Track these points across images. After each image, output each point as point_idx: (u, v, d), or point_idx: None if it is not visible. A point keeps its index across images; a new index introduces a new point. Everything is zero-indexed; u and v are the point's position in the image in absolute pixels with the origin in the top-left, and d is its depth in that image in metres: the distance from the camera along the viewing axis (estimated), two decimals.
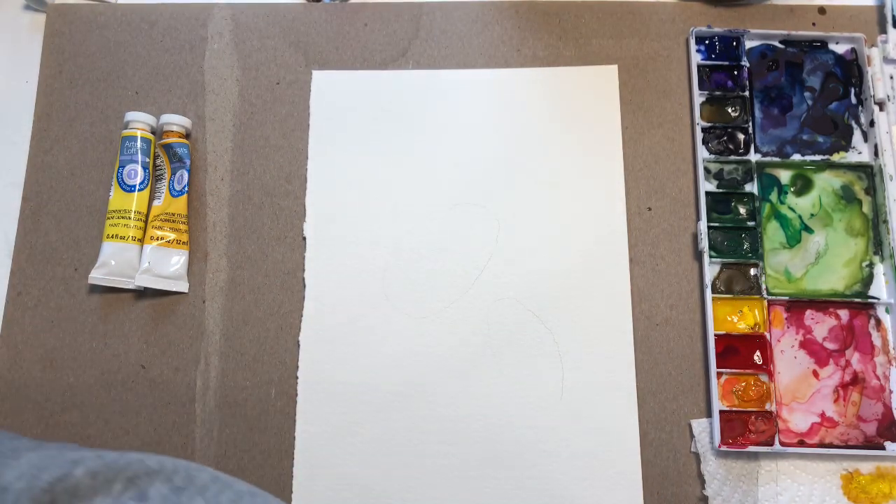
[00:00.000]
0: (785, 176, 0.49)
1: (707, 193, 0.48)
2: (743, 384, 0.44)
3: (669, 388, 0.45)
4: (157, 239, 0.47)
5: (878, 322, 0.46)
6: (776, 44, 0.51)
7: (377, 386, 0.45)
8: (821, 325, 0.46)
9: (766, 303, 0.46)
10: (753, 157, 0.49)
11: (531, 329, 0.46)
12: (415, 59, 0.52)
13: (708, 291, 0.46)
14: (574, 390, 0.45)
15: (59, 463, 0.30)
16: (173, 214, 0.48)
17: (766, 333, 0.45)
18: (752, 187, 0.48)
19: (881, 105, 0.49)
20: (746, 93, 0.50)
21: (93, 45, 0.52)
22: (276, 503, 0.32)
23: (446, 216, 0.48)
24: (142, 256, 0.47)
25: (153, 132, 0.50)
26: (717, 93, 0.50)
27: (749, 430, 0.44)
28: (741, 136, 0.49)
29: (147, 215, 0.48)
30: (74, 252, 0.48)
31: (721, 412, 0.44)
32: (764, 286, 0.46)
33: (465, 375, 0.45)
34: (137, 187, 0.48)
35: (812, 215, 0.48)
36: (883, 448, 0.43)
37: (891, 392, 0.45)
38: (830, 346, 0.46)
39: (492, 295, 0.47)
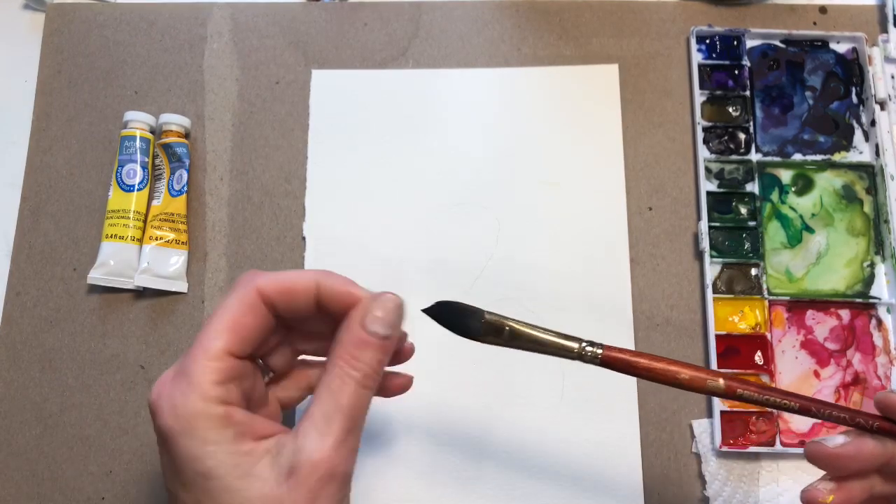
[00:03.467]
0: (786, 175, 0.49)
1: (708, 193, 0.48)
2: None
3: (670, 389, 0.45)
4: (156, 239, 0.47)
5: (880, 322, 0.46)
6: (777, 43, 0.51)
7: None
8: (822, 326, 0.46)
9: (767, 303, 0.46)
10: (754, 156, 0.49)
11: None
12: (415, 59, 0.52)
13: (709, 291, 0.46)
14: (574, 390, 0.45)
15: None
16: (172, 214, 0.47)
17: (766, 334, 0.45)
18: (752, 187, 0.48)
19: (882, 104, 0.49)
20: (747, 92, 0.50)
21: (92, 45, 0.52)
22: None
23: (446, 216, 0.48)
24: (141, 256, 0.47)
25: (152, 132, 0.50)
26: (718, 92, 0.50)
27: (750, 431, 0.43)
28: (742, 136, 0.49)
29: (146, 215, 0.48)
30: (73, 252, 0.48)
31: (722, 413, 0.44)
32: (765, 286, 0.46)
33: (464, 375, 0.45)
34: (136, 187, 0.47)
35: (813, 215, 0.48)
36: None
37: None
38: (831, 346, 0.46)
39: (492, 295, 0.47)
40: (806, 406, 0.31)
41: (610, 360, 0.32)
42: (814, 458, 0.32)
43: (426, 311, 0.34)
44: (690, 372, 0.31)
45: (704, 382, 0.31)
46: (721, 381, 0.31)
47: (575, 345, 0.32)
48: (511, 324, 0.32)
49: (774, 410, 0.44)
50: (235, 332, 0.30)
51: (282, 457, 0.28)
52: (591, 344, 0.32)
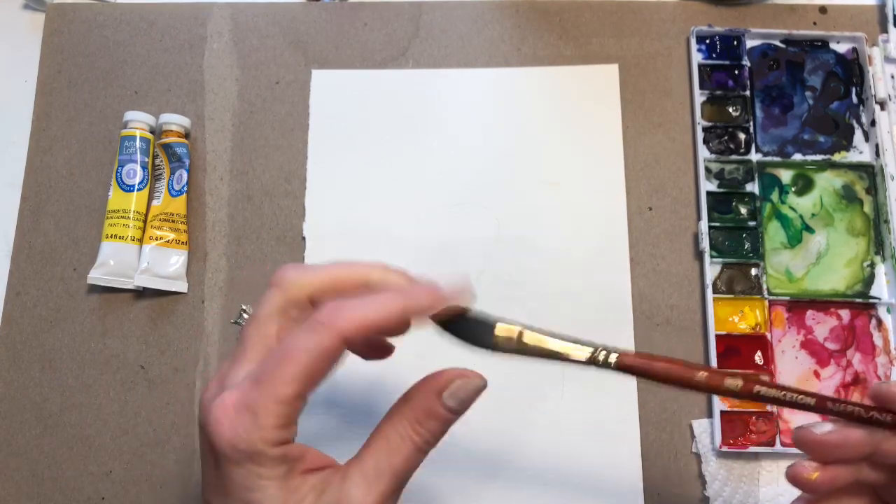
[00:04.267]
0: (786, 175, 0.49)
1: (708, 193, 0.48)
2: None
3: (669, 389, 0.45)
4: (156, 239, 0.47)
5: (880, 322, 0.46)
6: (777, 43, 0.51)
7: (377, 387, 0.45)
8: (822, 326, 0.46)
9: (767, 303, 0.46)
10: (754, 156, 0.49)
11: None
12: (415, 59, 0.52)
13: (709, 291, 0.46)
14: (575, 390, 0.45)
15: None
16: (172, 214, 0.47)
17: (767, 334, 0.45)
18: (752, 187, 0.48)
19: (882, 104, 0.49)
20: (747, 92, 0.50)
21: (92, 45, 0.52)
22: None
23: (446, 216, 0.48)
24: (141, 256, 0.47)
25: (152, 132, 0.50)
26: (718, 92, 0.50)
27: (750, 431, 0.43)
28: (742, 136, 0.49)
29: (146, 215, 0.48)
30: (73, 252, 0.48)
31: (722, 413, 0.44)
32: (765, 286, 0.46)
33: None
34: (136, 187, 0.47)
35: (813, 215, 0.48)
36: None
37: None
38: (831, 346, 0.46)
39: (492, 295, 0.47)
40: (822, 402, 0.31)
41: (626, 366, 0.31)
42: (800, 443, 0.32)
43: (434, 317, 0.32)
44: (707, 373, 0.31)
45: (722, 382, 0.31)
46: (739, 381, 0.31)
47: (589, 351, 0.31)
48: (524, 332, 0.31)
49: (774, 409, 0.44)
50: (312, 379, 0.28)
51: (326, 496, 0.28)
52: (606, 349, 0.31)
